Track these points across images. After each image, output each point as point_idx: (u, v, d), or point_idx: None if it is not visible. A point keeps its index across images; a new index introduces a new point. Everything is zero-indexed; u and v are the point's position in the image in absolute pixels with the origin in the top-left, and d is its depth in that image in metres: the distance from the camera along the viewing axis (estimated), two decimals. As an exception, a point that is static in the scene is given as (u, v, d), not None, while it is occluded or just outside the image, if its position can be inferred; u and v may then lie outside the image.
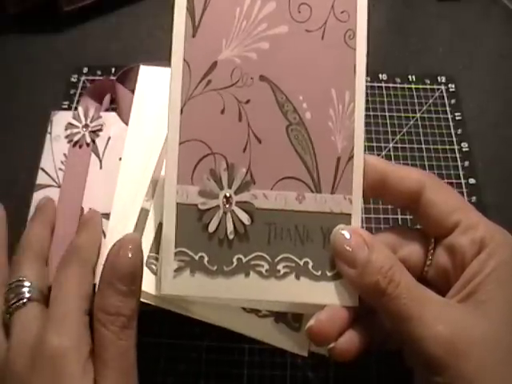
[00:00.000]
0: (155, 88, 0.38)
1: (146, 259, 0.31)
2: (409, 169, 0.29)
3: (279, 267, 0.27)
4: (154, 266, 0.31)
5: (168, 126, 0.27)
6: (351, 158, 0.28)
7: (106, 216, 0.36)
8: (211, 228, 0.27)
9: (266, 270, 0.27)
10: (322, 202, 0.28)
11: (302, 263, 0.27)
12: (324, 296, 0.28)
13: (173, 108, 0.27)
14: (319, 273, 0.28)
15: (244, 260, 0.27)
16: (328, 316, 0.27)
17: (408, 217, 0.42)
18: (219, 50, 0.27)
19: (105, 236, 0.36)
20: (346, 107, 0.28)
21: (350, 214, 0.28)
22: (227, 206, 0.27)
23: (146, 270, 0.31)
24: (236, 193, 0.27)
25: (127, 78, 0.46)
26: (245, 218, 0.27)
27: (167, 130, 0.27)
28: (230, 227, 0.27)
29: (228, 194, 0.27)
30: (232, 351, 0.37)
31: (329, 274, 0.28)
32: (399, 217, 0.43)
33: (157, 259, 0.31)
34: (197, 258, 0.27)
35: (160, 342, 0.37)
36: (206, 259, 0.27)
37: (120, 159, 0.37)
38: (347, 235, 0.27)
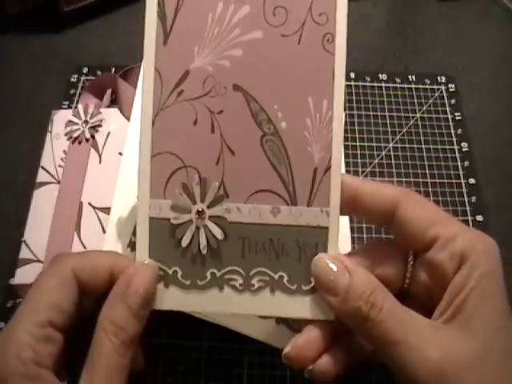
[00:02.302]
0: None
1: None
2: (382, 185, 0.28)
3: (253, 281, 0.27)
4: None
5: (140, 138, 0.27)
6: (328, 168, 0.27)
7: (106, 210, 0.37)
8: (184, 243, 0.26)
9: (240, 285, 0.27)
10: (298, 215, 0.27)
11: (276, 277, 0.27)
12: (299, 310, 0.27)
13: (144, 119, 0.26)
14: (294, 287, 0.27)
15: (218, 274, 0.27)
16: (305, 341, 0.27)
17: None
18: (191, 58, 0.26)
19: (104, 231, 0.36)
20: (323, 116, 0.27)
21: (327, 228, 0.27)
22: (200, 220, 0.26)
23: None
24: (209, 207, 0.27)
25: (128, 78, 0.46)
26: (218, 232, 0.26)
27: (139, 143, 0.27)
28: (203, 242, 0.26)
29: (201, 209, 0.26)
30: (232, 351, 0.37)
31: (304, 288, 0.27)
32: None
33: None
34: (170, 272, 0.27)
35: (160, 342, 0.37)
36: (179, 273, 0.27)
37: (120, 154, 0.38)
38: (328, 263, 0.26)
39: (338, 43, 0.27)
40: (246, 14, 0.26)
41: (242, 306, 0.27)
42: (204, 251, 0.26)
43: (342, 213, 0.28)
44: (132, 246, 0.32)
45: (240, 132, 0.27)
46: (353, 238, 0.40)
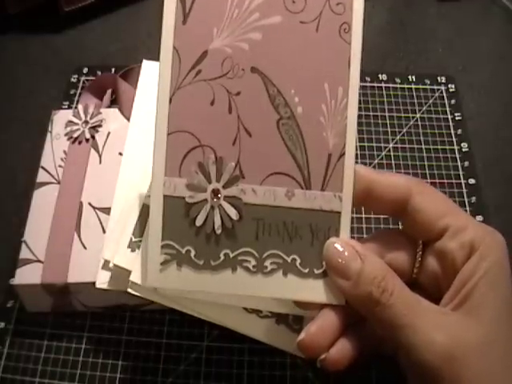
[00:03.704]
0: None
1: None
2: (395, 176, 0.29)
3: (266, 263, 0.27)
4: None
5: (156, 116, 0.26)
6: (342, 155, 0.27)
7: (106, 210, 0.37)
8: (198, 222, 0.26)
9: (254, 266, 0.27)
10: (312, 199, 0.27)
11: (289, 260, 0.27)
12: (311, 293, 0.27)
13: (161, 97, 0.26)
14: (307, 270, 0.27)
15: (231, 255, 0.27)
16: (318, 327, 0.27)
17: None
18: (210, 38, 0.26)
19: (104, 231, 0.36)
20: (338, 103, 0.27)
21: (339, 213, 0.27)
22: (215, 200, 0.26)
23: None
24: (224, 187, 0.26)
25: (128, 78, 0.46)
26: (233, 213, 0.26)
27: (155, 121, 0.26)
28: (217, 222, 0.26)
29: (216, 188, 0.26)
30: (232, 351, 0.37)
31: (316, 271, 0.27)
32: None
33: None
34: (183, 251, 0.26)
35: (160, 342, 0.37)
36: (192, 253, 0.26)
37: (120, 154, 0.38)
38: (340, 248, 0.27)
39: (355, 33, 0.27)
40: None
41: (254, 288, 0.27)
42: (218, 231, 0.26)
43: (356, 205, 0.28)
44: (132, 246, 0.32)
45: (257, 114, 0.27)
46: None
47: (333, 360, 0.27)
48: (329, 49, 0.27)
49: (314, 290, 0.27)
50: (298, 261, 0.27)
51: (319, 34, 0.27)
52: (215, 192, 0.26)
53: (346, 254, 0.27)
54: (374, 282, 0.26)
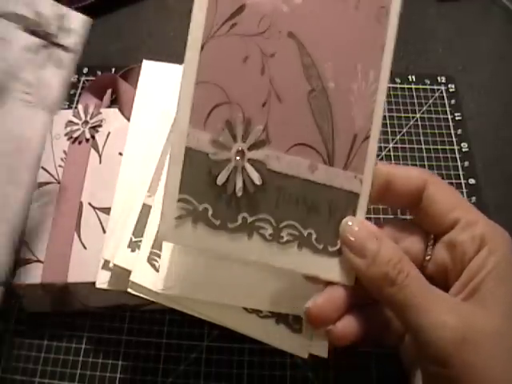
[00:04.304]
0: (158, 83, 0.38)
1: (148, 255, 0.31)
2: (410, 168, 0.30)
3: (283, 234, 0.26)
4: (156, 263, 0.31)
5: (185, 63, 0.25)
6: (367, 138, 0.27)
7: (106, 210, 0.37)
8: (220, 181, 0.25)
9: (270, 235, 0.26)
10: (333, 176, 0.27)
11: (305, 234, 0.27)
12: (323, 270, 0.27)
13: (192, 43, 0.25)
14: (321, 246, 0.27)
15: (249, 220, 0.26)
16: (325, 299, 0.28)
17: (408, 217, 0.42)
18: None
19: (104, 231, 0.36)
20: (368, 85, 0.27)
21: (358, 194, 0.28)
22: (239, 160, 0.25)
23: (148, 267, 0.31)
24: (249, 149, 0.26)
25: (128, 78, 0.46)
26: (256, 177, 0.26)
27: (183, 68, 0.25)
28: (239, 184, 0.25)
29: (241, 149, 0.25)
30: (232, 351, 0.37)
31: (330, 249, 0.27)
32: (399, 217, 0.42)
33: (158, 256, 0.31)
34: (200, 208, 0.25)
35: (160, 341, 0.37)
36: (210, 212, 0.25)
37: (120, 154, 0.38)
38: (355, 227, 0.27)
39: (392, 18, 0.27)
40: None
41: (268, 257, 0.26)
42: (239, 194, 0.25)
43: (375, 200, 0.28)
44: (132, 246, 0.32)
45: (289, 81, 0.26)
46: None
47: (338, 333, 0.28)
48: (365, 30, 0.27)
49: (327, 268, 0.27)
50: (314, 236, 0.27)
51: (358, 13, 0.27)
52: (240, 152, 0.25)
53: (363, 233, 0.27)
54: (389, 263, 0.26)
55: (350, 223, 0.27)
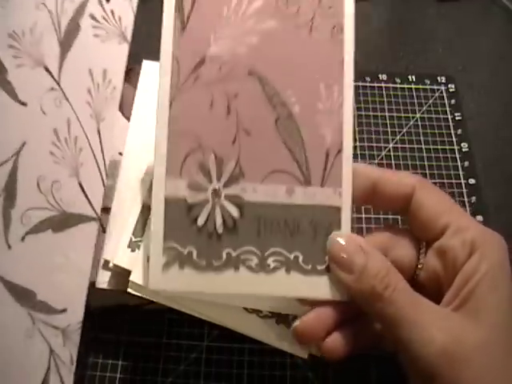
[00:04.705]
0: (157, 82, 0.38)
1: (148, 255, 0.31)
2: (399, 173, 0.30)
3: (269, 261, 0.27)
4: None
5: (156, 119, 0.27)
6: (340, 151, 0.28)
7: (107, 210, 0.36)
8: (200, 222, 0.26)
9: (256, 265, 0.27)
10: (312, 195, 0.28)
11: (292, 257, 0.27)
12: (314, 290, 0.28)
13: (161, 102, 0.27)
14: (309, 267, 0.27)
15: (233, 254, 0.27)
16: (313, 317, 0.28)
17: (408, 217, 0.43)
18: (208, 45, 0.27)
19: (104, 231, 0.36)
20: (334, 101, 0.28)
21: (340, 208, 0.28)
22: (216, 199, 0.27)
23: (148, 267, 0.31)
24: (225, 186, 0.27)
25: (128, 78, 0.46)
26: (234, 211, 0.27)
27: (156, 124, 0.27)
28: (219, 220, 0.27)
29: (217, 187, 0.27)
30: (232, 351, 0.37)
31: (319, 267, 0.28)
32: (399, 217, 0.43)
33: None
34: (185, 252, 0.26)
35: (160, 341, 0.37)
36: (194, 253, 0.26)
37: (120, 154, 0.38)
38: (343, 242, 0.27)
39: (347, 34, 0.29)
40: (259, 5, 0.28)
41: (257, 286, 0.27)
42: (220, 230, 0.27)
43: (361, 203, 0.29)
44: (132, 246, 0.32)
45: (255, 114, 0.27)
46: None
47: (327, 349, 0.28)
48: (323, 50, 0.28)
49: (317, 287, 0.28)
50: (301, 257, 0.27)
51: (313, 37, 0.28)
52: (216, 191, 0.27)
53: (350, 248, 0.27)
54: (377, 276, 0.26)
55: (336, 239, 0.27)
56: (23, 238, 0.28)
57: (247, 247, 0.27)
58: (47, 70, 0.31)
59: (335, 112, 0.28)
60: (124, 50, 0.37)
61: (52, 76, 0.31)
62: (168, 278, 0.26)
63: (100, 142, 0.33)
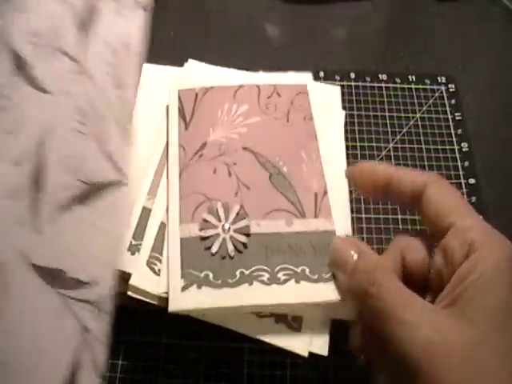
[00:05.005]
0: (158, 86, 0.38)
1: (148, 259, 0.31)
2: (413, 171, 0.30)
3: (279, 275, 0.30)
4: (155, 267, 0.31)
5: (168, 187, 0.33)
6: (326, 192, 0.34)
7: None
8: (213, 249, 0.31)
9: (268, 279, 0.30)
10: (308, 224, 0.32)
11: (299, 270, 0.30)
12: (324, 294, 0.30)
13: (172, 177, 0.33)
14: (316, 276, 0.30)
15: (246, 272, 0.30)
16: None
17: (408, 217, 0.43)
18: (208, 135, 0.35)
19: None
20: (314, 162, 0.35)
21: (334, 231, 0.32)
22: (226, 233, 0.31)
23: (147, 271, 0.31)
24: (233, 223, 0.32)
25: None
26: (243, 238, 0.31)
27: (168, 189, 0.33)
28: (230, 247, 0.31)
29: (226, 226, 0.31)
30: (232, 351, 0.37)
31: (325, 276, 0.30)
32: (399, 217, 0.43)
33: (158, 259, 0.31)
34: (202, 275, 0.30)
35: (160, 341, 0.37)
36: (211, 276, 0.30)
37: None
38: (340, 245, 0.30)
39: (316, 118, 0.37)
40: (246, 108, 0.37)
41: (271, 297, 0.30)
42: (232, 254, 0.31)
43: (376, 197, 0.33)
44: (132, 249, 0.32)
45: (252, 175, 0.34)
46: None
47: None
48: (299, 131, 0.36)
49: (327, 291, 0.30)
50: (307, 270, 0.31)
51: (290, 124, 0.36)
52: (225, 228, 0.31)
53: (346, 250, 0.29)
54: (365, 273, 0.27)
55: (336, 243, 0.30)
56: (53, 220, 0.30)
57: (258, 266, 0.30)
58: (66, 53, 0.34)
59: (316, 168, 0.34)
60: (142, 18, 0.38)
61: (71, 57, 0.34)
62: (187, 296, 0.29)
63: (122, 107, 0.35)
